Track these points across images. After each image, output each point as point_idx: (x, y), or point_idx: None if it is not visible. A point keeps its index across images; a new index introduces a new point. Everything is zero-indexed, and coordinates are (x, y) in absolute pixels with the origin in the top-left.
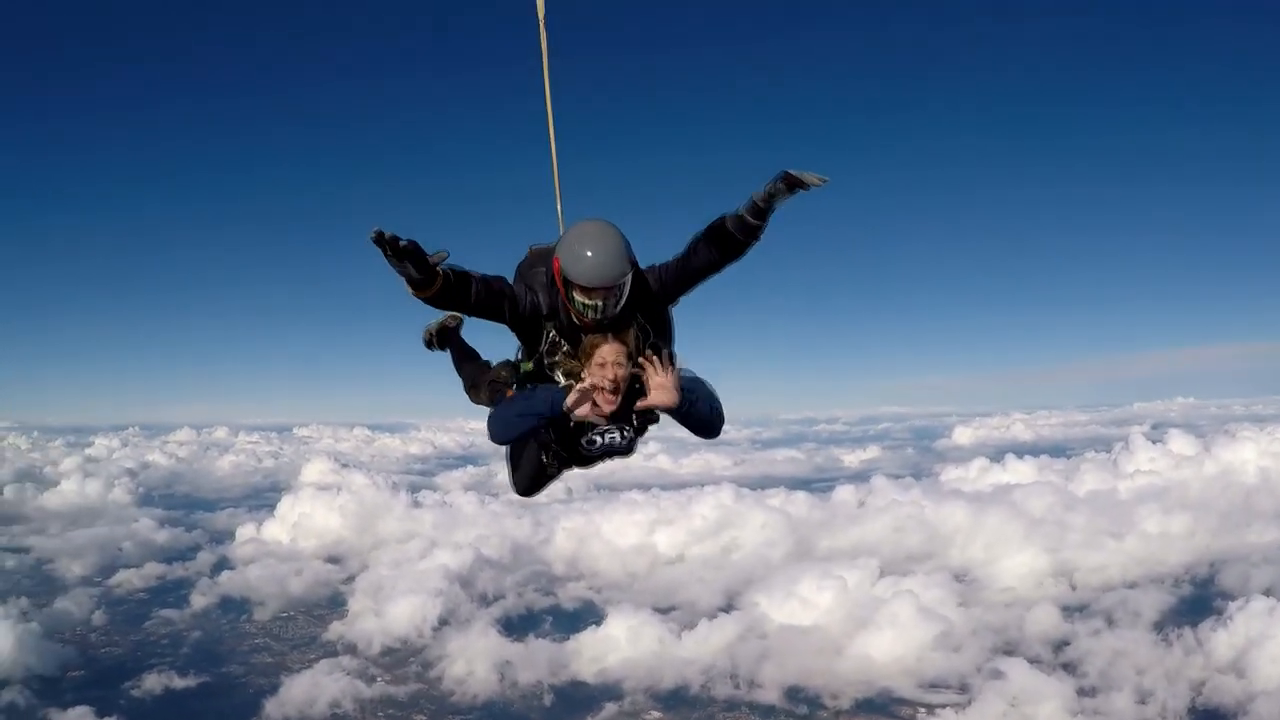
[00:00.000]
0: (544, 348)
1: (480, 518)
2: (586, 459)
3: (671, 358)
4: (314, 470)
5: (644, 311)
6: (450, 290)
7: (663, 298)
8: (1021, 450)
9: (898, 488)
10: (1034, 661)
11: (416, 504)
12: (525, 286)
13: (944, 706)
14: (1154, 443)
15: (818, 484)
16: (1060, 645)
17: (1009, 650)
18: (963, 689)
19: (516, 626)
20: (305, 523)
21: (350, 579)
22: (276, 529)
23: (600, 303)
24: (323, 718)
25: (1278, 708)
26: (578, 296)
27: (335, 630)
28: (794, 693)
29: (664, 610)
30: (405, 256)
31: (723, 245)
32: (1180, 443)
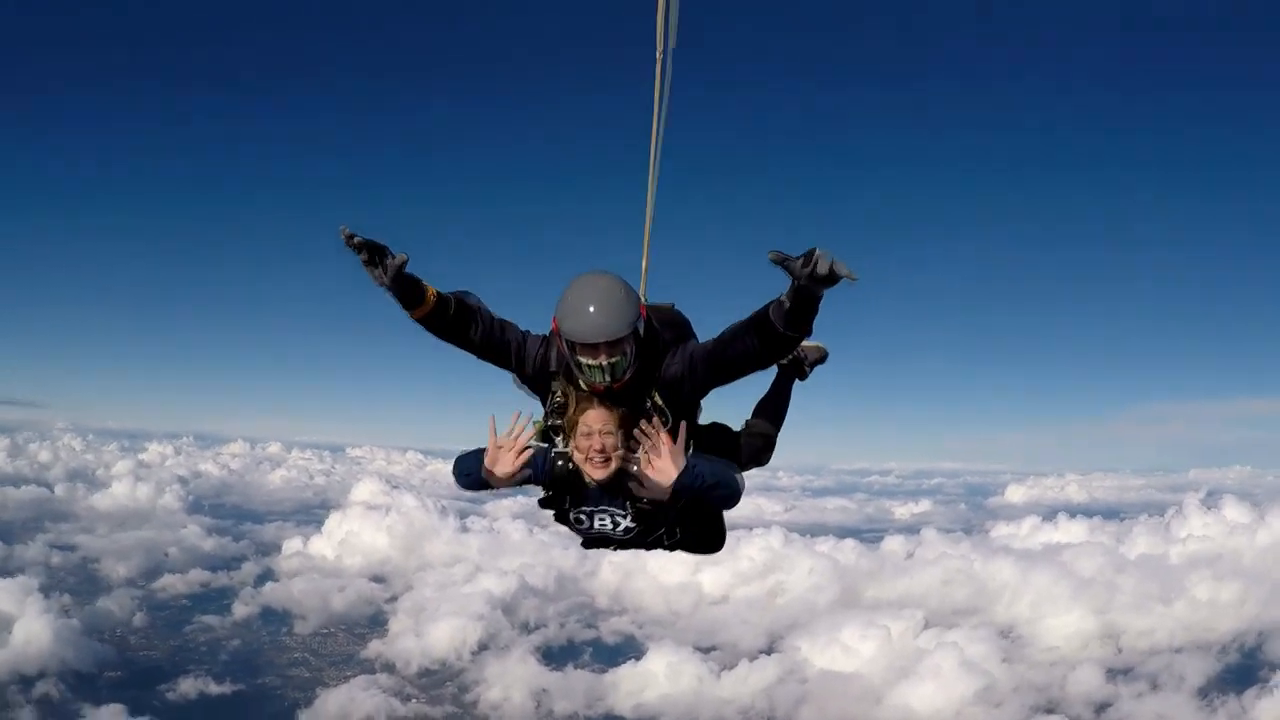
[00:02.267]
0: (547, 407)
1: (527, 546)
2: (589, 542)
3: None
4: (364, 490)
5: (665, 392)
6: (447, 318)
7: (690, 380)
8: (1074, 510)
9: (947, 541)
10: None
11: (464, 529)
12: (541, 338)
13: None
14: (1208, 509)
15: (867, 534)
16: (1102, 707)
17: (1050, 709)
18: None
19: (556, 656)
20: (352, 540)
21: (393, 599)
22: (323, 544)
23: (606, 362)
24: None
25: None
26: (582, 359)
27: (374, 648)
28: None
29: (705, 649)
30: (366, 253)
31: (763, 335)
32: (1235, 510)
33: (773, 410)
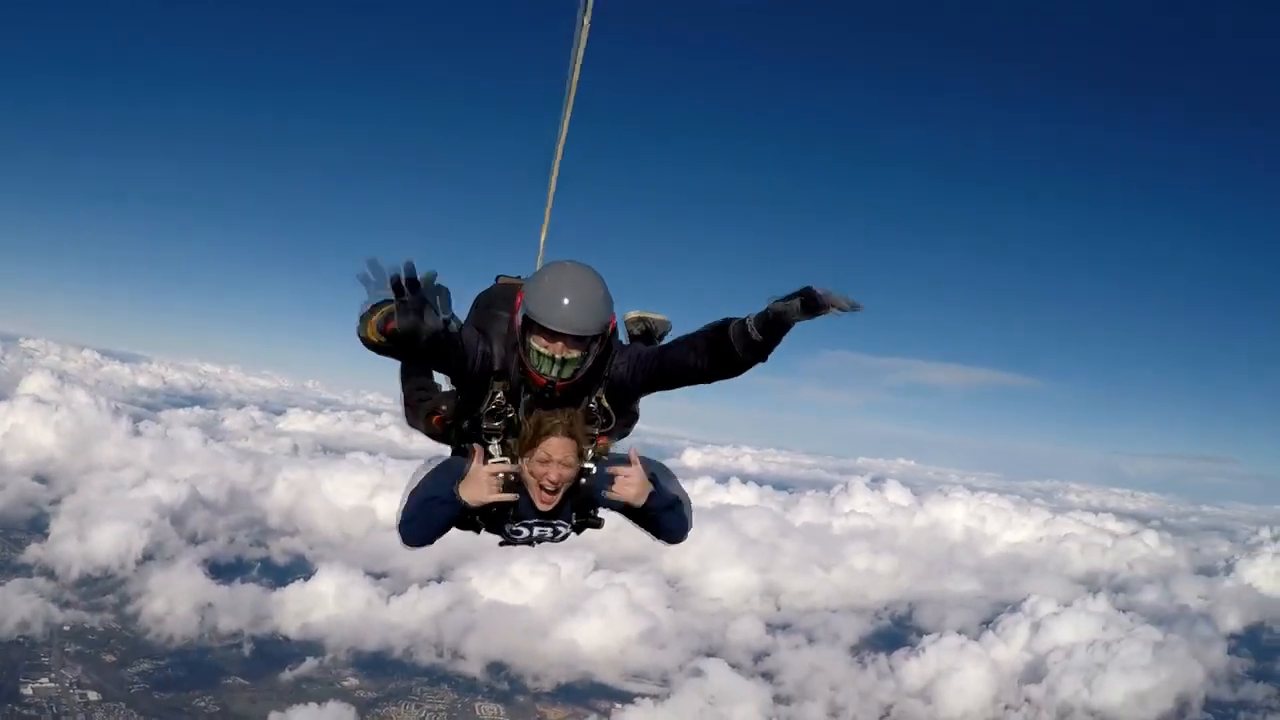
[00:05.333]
0: (484, 409)
1: (201, 455)
2: (507, 542)
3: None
4: (34, 383)
5: (609, 394)
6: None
7: (633, 384)
8: (746, 478)
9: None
10: (734, 666)
11: (137, 432)
12: (478, 333)
13: (644, 697)
14: (872, 490)
15: None
16: (761, 655)
17: (711, 653)
18: (664, 683)
19: (224, 571)
20: (16, 435)
21: (56, 501)
22: None
23: (560, 357)
24: (9, 639)
25: None
26: (536, 344)
27: (33, 553)
28: (496, 669)
29: (376, 575)
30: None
31: (717, 355)
32: (897, 494)
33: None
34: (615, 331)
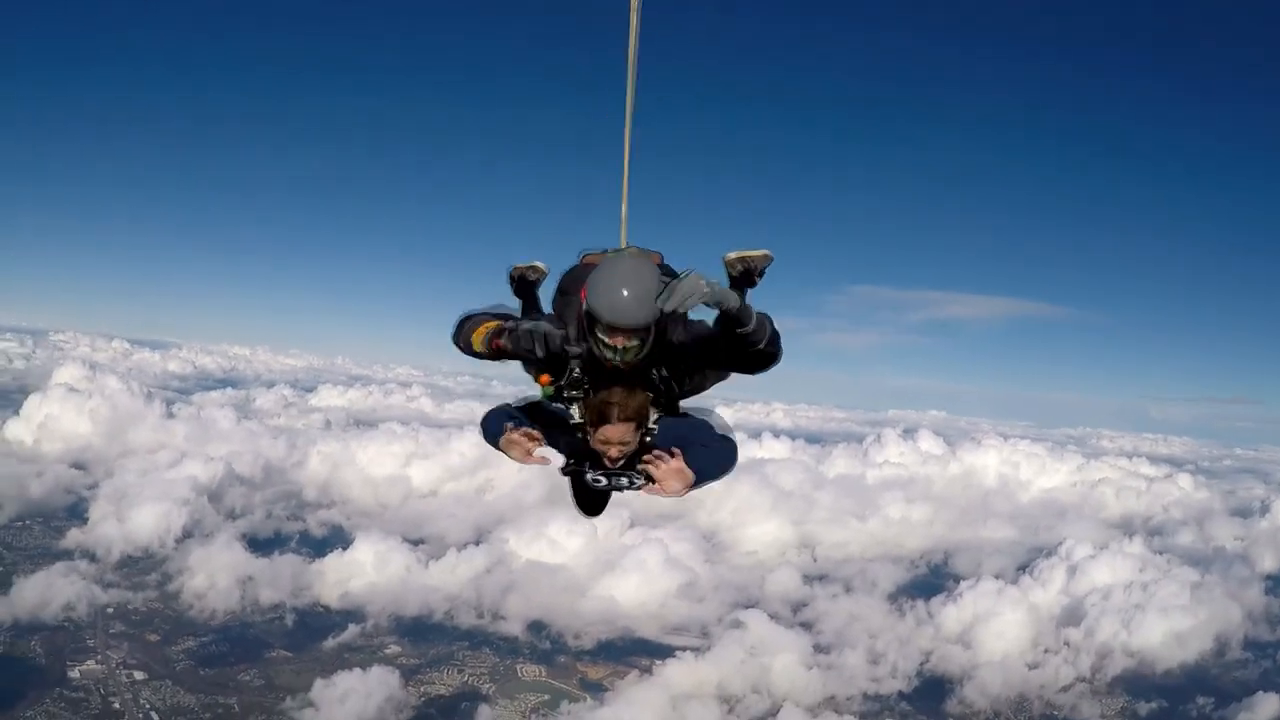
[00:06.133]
0: (563, 381)
1: (235, 434)
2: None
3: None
4: (66, 374)
5: (670, 364)
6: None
7: (689, 360)
8: (779, 433)
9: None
10: (773, 617)
11: (170, 415)
12: (558, 318)
13: (684, 650)
14: (905, 440)
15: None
16: (799, 606)
17: (750, 605)
18: (704, 635)
19: (262, 545)
20: (52, 425)
21: (94, 486)
22: (20, 429)
23: (622, 345)
24: (55, 621)
25: (999, 677)
26: (599, 334)
27: (73, 538)
28: (537, 628)
29: (413, 541)
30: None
31: (741, 351)
32: (929, 443)
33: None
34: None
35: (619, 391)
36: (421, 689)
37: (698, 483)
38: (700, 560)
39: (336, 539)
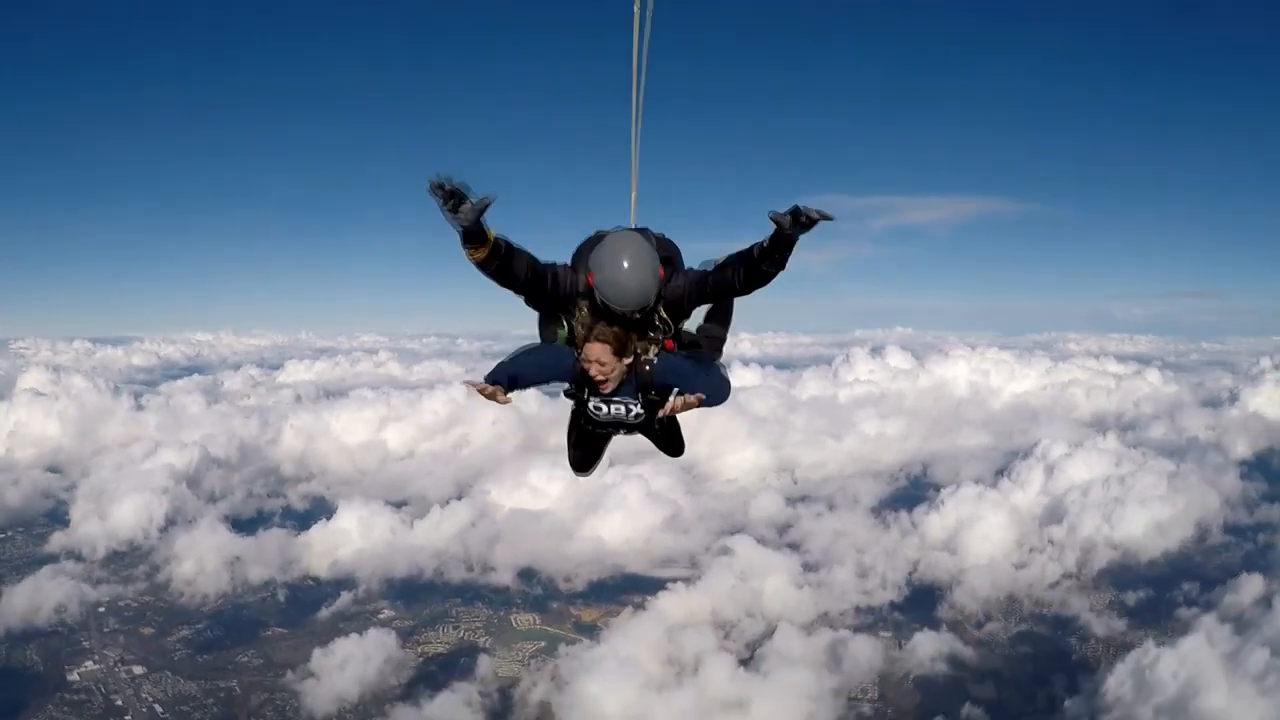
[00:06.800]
0: (574, 320)
1: (206, 419)
2: (598, 425)
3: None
4: (31, 379)
5: (668, 307)
6: (500, 256)
7: (687, 299)
8: (748, 361)
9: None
10: (760, 541)
11: (140, 408)
12: (571, 268)
13: (675, 580)
14: (873, 358)
15: (548, 389)
16: (784, 528)
17: (735, 532)
18: (693, 565)
19: (246, 525)
20: (22, 431)
21: (72, 487)
22: None
23: (632, 315)
24: (49, 626)
25: (987, 580)
26: (610, 308)
27: (57, 541)
28: (528, 575)
29: (396, 504)
30: (454, 199)
31: (748, 272)
32: (898, 358)
33: (722, 316)
34: (671, 263)
35: (612, 326)
36: (420, 649)
37: (705, 403)
38: (682, 492)
39: (319, 510)
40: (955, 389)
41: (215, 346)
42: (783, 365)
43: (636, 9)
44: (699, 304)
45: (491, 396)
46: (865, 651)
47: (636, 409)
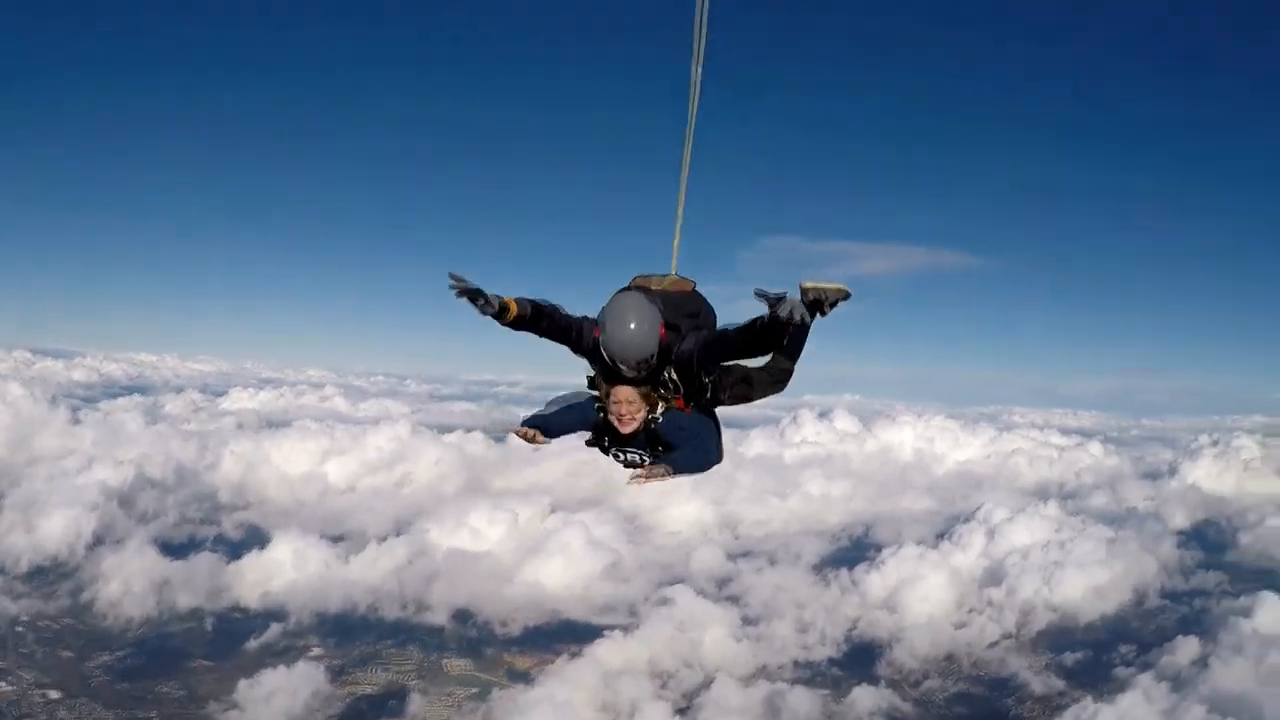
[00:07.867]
0: (597, 370)
1: (144, 438)
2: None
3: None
4: None
5: (678, 368)
6: (526, 319)
7: (697, 360)
8: None
9: (575, 438)
10: (700, 593)
11: (76, 421)
12: (593, 322)
13: (613, 628)
14: (820, 420)
15: (493, 433)
16: (724, 581)
17: (675, 582)
18: (632, 614)
19: (176, 550)
20: None
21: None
22: None
23: (633, 365)
24: None
25: (927, 639)
26: (614, 363)
27: None
28: (463, 617)
29: (333, 538)
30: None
31: (748, 339)
32: (845, 421)
33: (790, 350)
34: (674, 327)
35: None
36: (347, 689)
37: (675, 473)
38: (623, 541)
39: (254, 539)
40: (901, 454)
41: (159, 369)
42: (730, 424)
43: (695, 71)
44: (708, 365)
45: (531, 440)
46: (804, 704)
47: (645, 456)
